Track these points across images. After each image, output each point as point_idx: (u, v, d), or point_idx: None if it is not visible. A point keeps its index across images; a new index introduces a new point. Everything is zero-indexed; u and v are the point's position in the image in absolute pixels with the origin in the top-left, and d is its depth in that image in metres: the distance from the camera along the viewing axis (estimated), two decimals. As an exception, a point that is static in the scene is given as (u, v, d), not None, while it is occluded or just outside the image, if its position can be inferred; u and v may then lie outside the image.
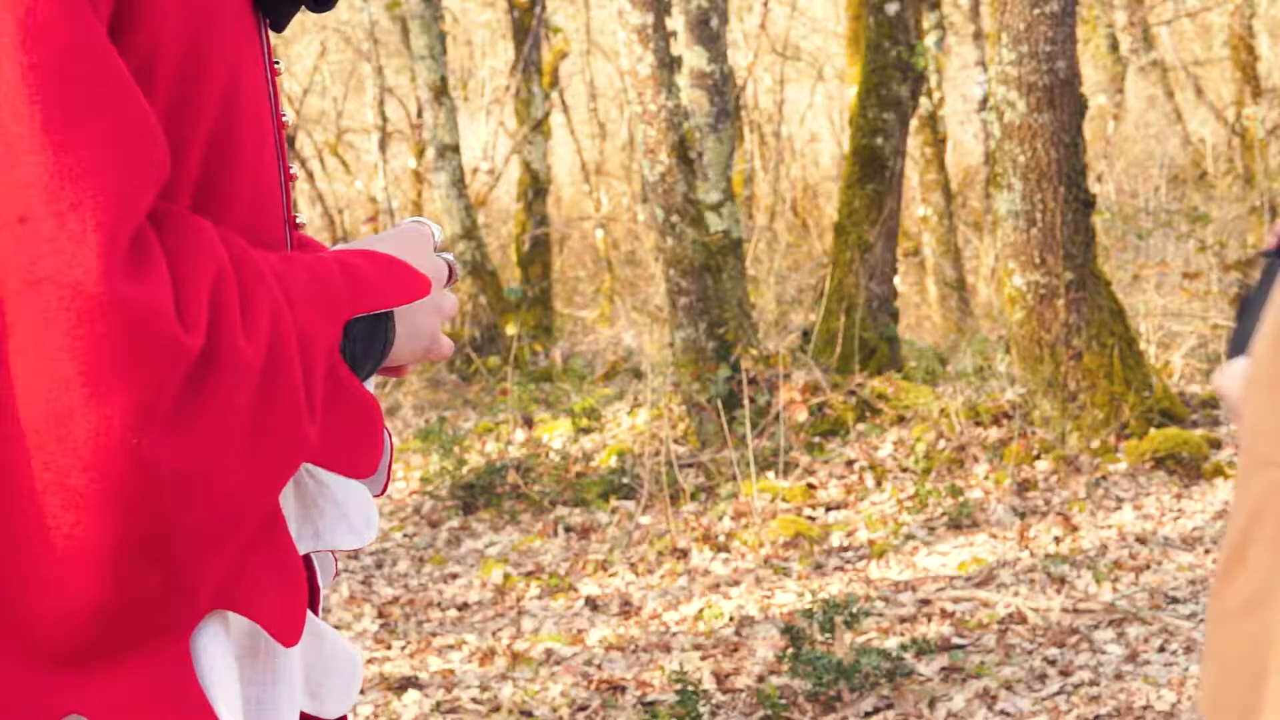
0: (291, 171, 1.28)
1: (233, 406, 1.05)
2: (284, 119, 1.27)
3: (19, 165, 0.97)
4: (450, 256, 1.34)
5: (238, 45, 1.15)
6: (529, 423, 7.93)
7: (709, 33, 7.02)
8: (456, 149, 9.87)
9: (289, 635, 1.16)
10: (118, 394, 0.98)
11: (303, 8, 1.26)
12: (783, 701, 3.99)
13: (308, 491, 1.21)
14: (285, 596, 1.16)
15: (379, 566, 5.98)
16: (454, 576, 5.77)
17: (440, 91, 9.67)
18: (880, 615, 4.68)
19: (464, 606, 5.38)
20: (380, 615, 5.31)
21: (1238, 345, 1.55)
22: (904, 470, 6.27)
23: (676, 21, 7.03)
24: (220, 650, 1.12)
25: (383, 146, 12.39)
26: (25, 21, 0.98)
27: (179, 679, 1.08)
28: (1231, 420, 1.54)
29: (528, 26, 10.68)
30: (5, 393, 0.99)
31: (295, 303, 1.12)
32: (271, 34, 1.25)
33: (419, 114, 12.04)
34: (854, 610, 4.18)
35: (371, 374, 1.23)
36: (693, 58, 7.02)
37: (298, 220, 1.31)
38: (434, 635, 5.04)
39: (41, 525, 1.01)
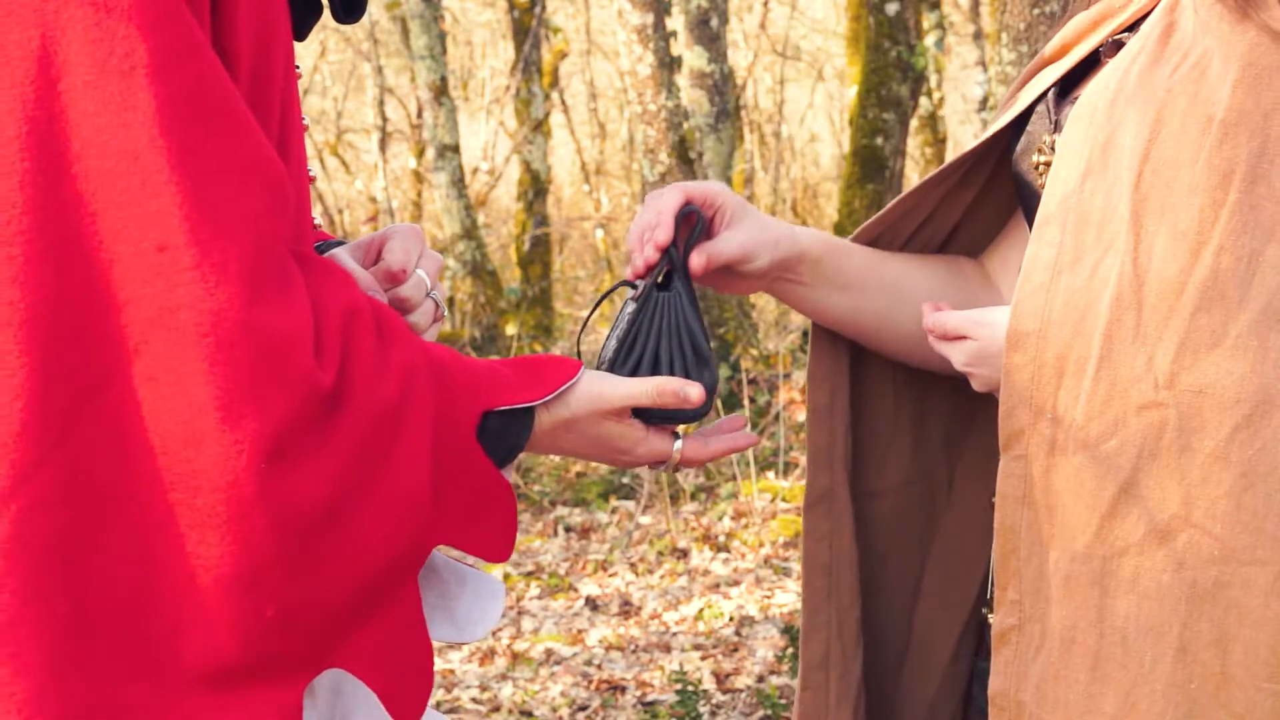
0: (310, 174, 1.30)
1: (355, 448, 1.05)
2: (304, 122, 1.28)
3: (157, 195, 0.98)
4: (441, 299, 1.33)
5: (286, 50, 1.17)
6: (529, 423, 7.93)
7: (709, 33, 7.02)
8: (456, 149, 9.86)
9: (407, 715, 1.14)
10: (250, 420, 0.99)
11: (327, 16, 1.27)
12: (783, 701, 3.99)
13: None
14: (408, 679, 1.14)
15: (379, 566, 5.98)
16: (454, 576, 5.77)
17: (440, 91, 9.67)
18: (880, 615, 4.68)
19: (464, 606, 5.38)
20: (380, 615, 5.32)
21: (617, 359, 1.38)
22: (904, 470, 6.27)
23: (676, 21, 7.04)
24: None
25: (383, 146, 12.38)
26: (159, 54, 0.99)
27: None
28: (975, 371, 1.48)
29: (528, 26, 10.68)
30: (126, 418, 0.99)
31: (439, 367, 1.13)
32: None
33: (419, 114, 12.04)
34: (854, 610, 4.18)
35: (503, 465, 1.20)
36: (693, 58, 7.03)
37: (315, 222, 1.32)
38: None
39: (165, 545, 1.01)
